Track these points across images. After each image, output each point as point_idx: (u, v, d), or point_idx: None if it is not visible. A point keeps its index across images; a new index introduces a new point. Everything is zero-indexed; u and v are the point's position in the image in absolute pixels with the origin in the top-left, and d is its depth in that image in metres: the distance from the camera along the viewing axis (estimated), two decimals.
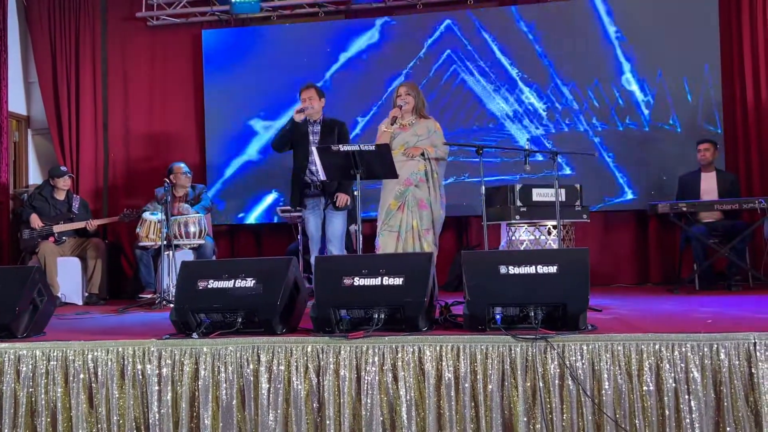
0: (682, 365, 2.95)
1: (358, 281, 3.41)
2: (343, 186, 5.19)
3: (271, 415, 3.16)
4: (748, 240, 5.97)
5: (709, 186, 6.23)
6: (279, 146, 5.41)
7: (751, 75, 6.76)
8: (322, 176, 4.65)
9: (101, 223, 6.71)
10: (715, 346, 2.95)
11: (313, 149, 4.60)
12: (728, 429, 2.90)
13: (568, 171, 6.87)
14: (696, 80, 6.74)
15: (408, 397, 3.08)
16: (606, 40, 6.92)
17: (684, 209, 5.86)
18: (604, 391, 2.98)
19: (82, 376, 3.33)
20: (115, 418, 3.29)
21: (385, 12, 7.35)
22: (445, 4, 7.31)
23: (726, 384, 2.92)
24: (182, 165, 6.55)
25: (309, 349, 3.20)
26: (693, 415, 2.91)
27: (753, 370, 2.91)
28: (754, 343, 2.93)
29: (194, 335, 3.37)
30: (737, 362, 2.92)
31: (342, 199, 5.20)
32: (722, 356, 2.93)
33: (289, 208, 6.37)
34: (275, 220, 7.12)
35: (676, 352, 2.96)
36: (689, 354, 2.95)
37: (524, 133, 6.94)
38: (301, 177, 5.30)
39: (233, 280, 3.50)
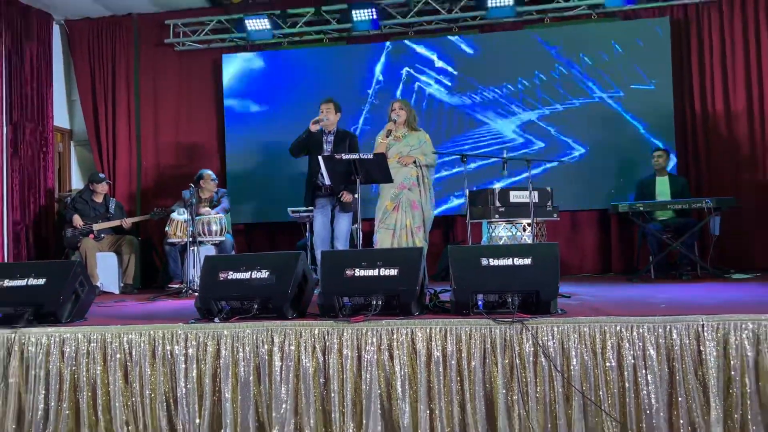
0: (640, 344, 2.95)
1: (359, 272, 3.41)
2: (349, 187, 5.19)
3: (283, 389, 3.16)
4: (697, 235, 5.99)
5: (662, 188, 6.24)
6: (296, 152, 5.43)
7: (698, 90, 6.78)
8: (327, 181, 4.64)
9: (135, 220, 6.70)
10: (669, 327, 2.95)
11: (320, 158, 4.59)
12: (680, 399, 2.90)
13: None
14: (652, 95, 6.76)
15: (402, 373, 3.08)
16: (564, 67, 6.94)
17: (641, 209, 5.87)
18: (572, 367, 2.98)
19: (118, 356, 3.32)
20: (147, 392, 3.28)
21: (383, 38, 7.34)
22: (432, 31, 7.31)
23: (678, 360, 2.92)
24: (210, 172, 6.54)
25: (316, 332, 3.19)
26: (649, 387, 2.91)
27: (701, 348, 2.91)
28: (702, 325, 2.93)
29: (216, 320, 3.37)
30: (687, 341, 2.92)
31: (347, 197, 5.20)
32: (674, 336, 2.94)
33: (298, 208, 6.37)
34: (288, 219, 7.11)
35: (635, 333, 2.96)
36: (646, 334, 2.95)
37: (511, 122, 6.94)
38: (313, 180, 5.31)
39: (250, 272, 3.49)
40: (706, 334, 2.91)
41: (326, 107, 5.34)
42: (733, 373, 2.87)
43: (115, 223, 6.55)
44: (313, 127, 5.21)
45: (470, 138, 7.08)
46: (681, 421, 2.88)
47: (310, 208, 5.54)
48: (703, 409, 2.87)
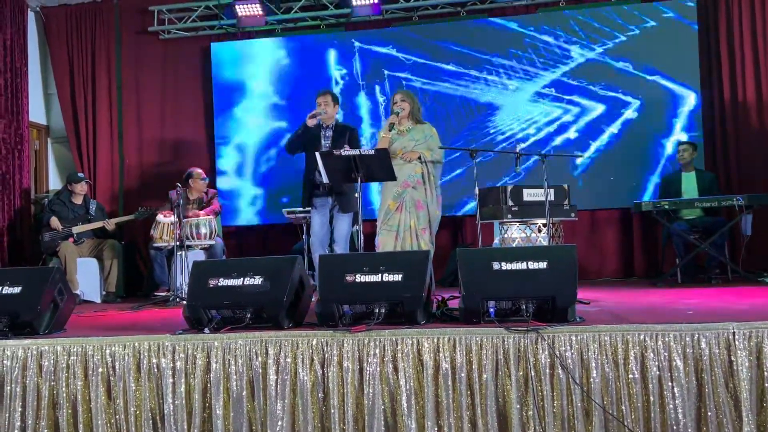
0: (666, 354, 2.95)
1: (360, 278, 3.41)
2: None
3: (278, 404, 3.16)
4: (727, 236, 5.97)
5: (689, 185, 6.24)
6: (292, 149, 5.43)
7: (728, 79, 6.78)
8: (325, 179, 4.64)
9: (118, 221, 6.71)
10: (696, 335, 2.95)
11: (317, 154, 4.59)
12: (710, 414, 2.90)
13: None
14: (677, 82, 6.76)
15: (407, 387, 3.08)
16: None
17: (666, 207, 5.86)
18: (592, 379, 2.98)
19: (100, 369, 3.33)
20: (132, 409, 3.29)
21: (384, 24, 7.35)
22: (438, 16, 7.31)
23: (707, 371, 2.91)
24: (200, 171, 6.55)
25: (314, 342, 3.20)
26: (676, 401, 2.91)
27: (732, 358, 2.91)
28: (733, 333, 2.93)
29: (206, 330, 3.37)
30: (717, 351, 2.92)
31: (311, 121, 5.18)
32: (703, 345, 2.93)
33: (294, 209, 6.38)
34: (283, 221, 7.13)
35: (660, 342, 2.96)
36: (672, 343, 2.95)
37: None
38: (310, 178, 5.30)
39: (242, 278, 3.50)
40: (737, 342, 2.91)
41: (323, 99, 5.34)
42: (767, 385, 2.87)
43: (97, 225, 6.56)
44: (310, 122, 5.22)
45: (480, 127, 7.09)
46: None
47: (308, 209, 5.54)
48: (734, 425, 2.87)
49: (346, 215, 5.29)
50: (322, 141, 5.31)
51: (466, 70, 7.12)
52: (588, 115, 6.94)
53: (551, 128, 6.98)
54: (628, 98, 6.87)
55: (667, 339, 2.96)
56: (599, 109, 6.92)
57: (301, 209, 6.15)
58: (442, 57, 7.16)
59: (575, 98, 6.95)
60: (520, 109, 7.04)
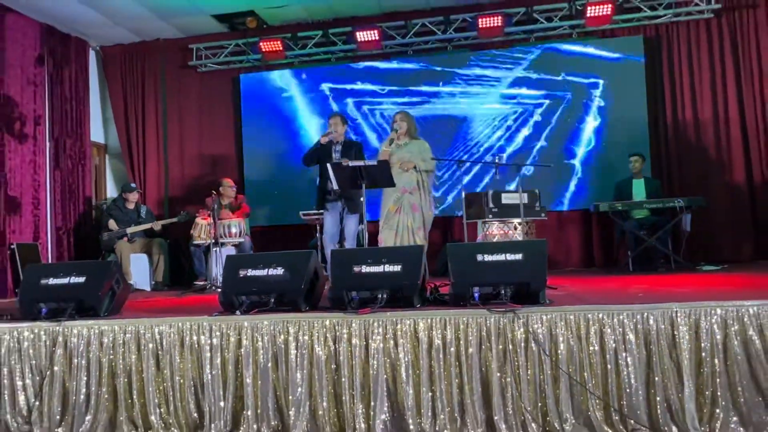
0: (620, 329, 2.94)
1: (365, 269, 3.39)
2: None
3: (298, 374, 3.16)
4: (670, 232, 5.97)
5: (638, 189, 6.23)
6: (308, 162, 5.45)
7: (669, 100, 6.79)
8: (335, 186, 4.64)
9: (164, 223, 6.71)
10: (646, 314, 2.94)
11: (328, 165, 4.60)
12: (656, 378, 2.89)
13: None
14: (628, 105, 6.76)
15: (406, 359, 3.07)
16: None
17: (620, 208, 5.86)
18: (559, 352, 2.97)
19: (150, 345, 3.33)
20: (177, 378, 3.28)
21: (383, 57, 7.35)
22: (428, 50, 7.31)
23: (654, 343, 2.91)
24: (229, 180, 6.59)
25: (327, 323, 3.19)
26: (629, 369, 2.91)
27: (675, 332, 2.90)
28: (676, 312, 2.92)
29: (237, 313, 3.36)
30: (663, 326, 2.92)
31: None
32: (651, 322, 2.93)
33: (310, 212, 6.38)
34: (299, 222, 7.13)
35: (616, 320, 2.96)
36: (625, 321, 2.94)
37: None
38: (323, 186, 5.32)
39: (267, 269, 3.49)
40: (679, 320, 2.90)
41: (334, 121, 5.39)
42: (703, 354, 2.87)
43: (147, 226, 6.57)
44: (323, 140, 5.26)
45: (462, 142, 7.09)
46: (657, 398, 2.87)
47: (321, 211, 5.56)
48: (677, 388, 2.87)
49: (353, 216, 5.30)
50: (333, 155, 5.32)
51: (437, 88, 7.12)
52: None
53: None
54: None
55: (621, 317, 2.95)
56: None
57: (315, 212, 6.15)
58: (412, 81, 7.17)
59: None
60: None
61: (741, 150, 6.58)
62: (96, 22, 7.08)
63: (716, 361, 2.85)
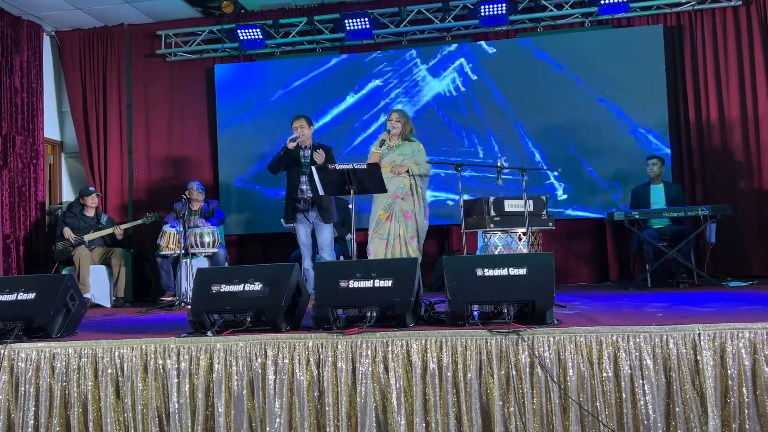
0: (637, 354, 2.95)
1: (353, 284, 3.40)
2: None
3: (277, 402, 3.15)
4: (693, 243, 6.00)
5: (657, 196, 6.27)
6: (274, 169, 5.47)
7: (692, 97, 6.83)
8: (321, 191, 4.64)
9: (127, 226, 6.68)
10: (665, 336, 2.96)
11: (313, 169, 4.61)
12: (677, 409, 2.90)
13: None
14: (647, 103, 6.80)
15: (398, 386, 3.07)
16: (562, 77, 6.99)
17: (636, 217, 5.88)
18: (569, 378, 2.98)
19: (109, 371, 3.31)
20: (139, 407, 3.26)
21: (374, 47, 7.37)
22: (425, 40, 7.34)
23: (675, 370, 2.92)
24: (196, 183, 6.58)
25: (310, 344, 3.19)
26: (647, 398, 2.91)
27: (698, 357, 2.92)
28: (699, 334, 2.93)
29: (209, 333, 3.35)
30: (684, 350, 2.93)
31: (319, 157, 5.13)
32: (671, 345, 2.94)
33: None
34: (280, 230, 7.11)
35: (631, 343, 2.97)
36: (642, 344, 2.96)
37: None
38: (293, 195, 5.35)
39: (243, 284, 3.48)
40: (702, 343, 2.92)
41: (299, 124, 5.41)
42: (730, 382, 2.88)
43: (107, 231, 6.54)
44: (291, 145, 5.29)
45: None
46: (679, 431, 2.88)
47: (291, 225, 5.56)
48: (700, 419, 2.88)
49: (327, 225, 5.34)
50: (302, 160, 5.34)
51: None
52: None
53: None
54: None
55: (638, 340, 2.97)
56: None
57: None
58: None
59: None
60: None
61: None
62: (52, 4, 7.06)
63: (744, 390, 2.86)
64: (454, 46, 7.16)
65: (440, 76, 7.18)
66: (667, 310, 3.84)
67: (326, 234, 5.32)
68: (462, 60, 7.15)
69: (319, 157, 5.13)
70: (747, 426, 2.84)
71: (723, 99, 6.75)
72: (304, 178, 5.29)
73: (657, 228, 6.09)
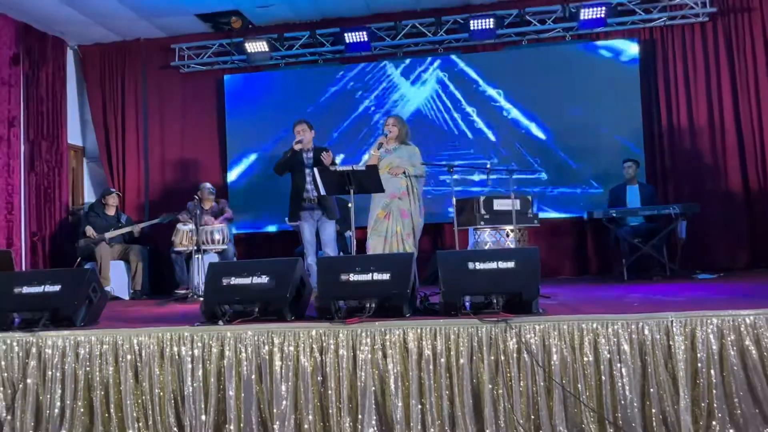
0: (615, 340, 2.96)
1: (353, 277, 3.39)
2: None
3: (283, 386, 3.15)
4: (665, 239, 6.02)
5: (633, 196, 6.28)
6: (281, 171, 5.39)
7: (664, 106, 6.85)
8: (322, 191, 4.63)
9: (146, 225, 6.66)
10: (641, 324, 2.97)
11: (315, 170, 4.59)
12: (652, 390, 2.91)
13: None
14: (623, 110, 6.82)
15: (395, 371, 3.07)
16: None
17: (614, 215, 5.90)
18: (553, 362, 2.98)
19: (129, 357, 3.30)
20: (156, 390, 3.26)
21: (371, 58, 7.37)
22: (419, 52, 7.34)
23: (650, 354, 2.93)
24: (207, 184, 6.59)
25: (313, 333, 3.18)
26: (624, 380, 2.92)
27: (670, 343, 2.93)
28: (671, 321, 2.94)
29: (220, 323, 3.35)
30: (658, 336, 2.94)
31: (327, 158, 5.10)
32: (646, 332, 2.95)
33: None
34: (285, 228, 7.10)
35: (610, 329, 2.97)
36: (620, 331, 2.96)
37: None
38: (299, 195, 5.27)
39: (251, 278, 3.48)
40: (675, 329, 2.92)
41: (301, 128, 5.31)
42: (699, 365, 2.89)
43: (126, 229, 6.54)
44: (298, 146, 5.21)
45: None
46: (653, 410, 2.89)
47: (296, 223, 5.52)
48: (672, 399, 2.88)
49: (330, 222, 5.28)
50: (305, 162, 5.29)
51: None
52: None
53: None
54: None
55: (616, 327, 2.97)
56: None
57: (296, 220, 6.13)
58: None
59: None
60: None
61: (737, 155, 6.65)
62: (75, 21, 7.04)
63: (712, 372, 2.87)
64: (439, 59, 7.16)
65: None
66: (643, 300, 3.86)
67: (330, 230, 5.28)
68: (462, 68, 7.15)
69: (328, 157, 5.11)
70: (714, 405, 2.85)
71: (692, 106, 6.78)
72: (308, 179, 5.24)
73: (633, 225, 6.11)
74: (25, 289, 3.59)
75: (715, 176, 6.69)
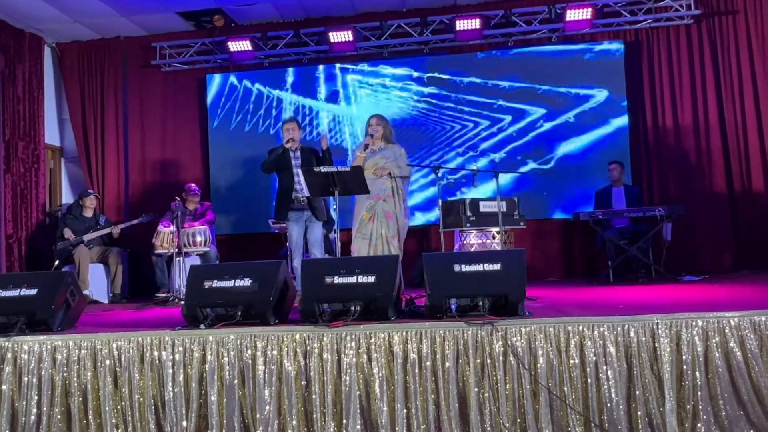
0: (601, 342, 2.98)
1: (338, 279, 3.39)
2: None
3: (266, 391, 3.13)
4: (651, 241, 6.07)
5: (618, 198, 6.33)
6: (269, 169, 5.35)
7: (650, 107, 6.93)
8: (306, 193, 4.61)
9: (125, 226, 6.60)
10: (627, 326, 2.99)
11: (299, 171, 4.57)
12: (637, 392, 2.93)
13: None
14: (608, 111, 6.88)
15: (380, 375, 3.07)
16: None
17: (600, 217, 5.94)
18: (539, 365, 3.00)
19: (108, 362, 3.27)
20: (136, 396, 3.23)
21: (358, 58, 7.37)
22: (405, 52, 7.36)
23: (635, 356, 2.95)
24: (193, 186, 6.54)
25: (297, 337, 3.17)
26: (610, 382, 2.94)
27: (656, 345, 2.96)
28: (657, 323, 2.97)
29: (202, 326, 3.33)
30: (644, 338, 2.97)
31: (324, 141, 5.13)
32: (632, 334, 2.97)
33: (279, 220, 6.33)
34: (268, 230, 7.07)
35: (596, 332, 3.00)
36: (606, 333, 2.99)
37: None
38: (289, 194, 5.24)
39: (233, 280, 3.46)
40: (660, 331, 2.95)
41: (291, 126, 5.26)
42: (684, 367, 2.92)
43: (106, 230, 6.47)
44: (289, 145, 5.18)
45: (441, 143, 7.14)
46: (639, 413, 2.92)
47: (283, 223, 5.50)
48: (658, 401, 2.91)
49: (318, 222, 5.26)
50: (293, 161, 5.26)
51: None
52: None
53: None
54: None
55: (601, 329, 3.00)
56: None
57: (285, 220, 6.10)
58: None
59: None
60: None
61: (721, 157, 6.74)
62: (52, 18, 6.95)
63: (697, 373, 2.90)
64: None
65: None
66: (628, 302, 3.88)
67: (317, 231, 5.25)
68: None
69: (324, 140, 5.09)
70: (700, 407, 2.89)
71: (677, 108, 6.86)
72: (297, 179, 5.20)
73: (618, 227, 6.16)
74: (1, 293, 3.54)
75: (700, 177, 6.78)
